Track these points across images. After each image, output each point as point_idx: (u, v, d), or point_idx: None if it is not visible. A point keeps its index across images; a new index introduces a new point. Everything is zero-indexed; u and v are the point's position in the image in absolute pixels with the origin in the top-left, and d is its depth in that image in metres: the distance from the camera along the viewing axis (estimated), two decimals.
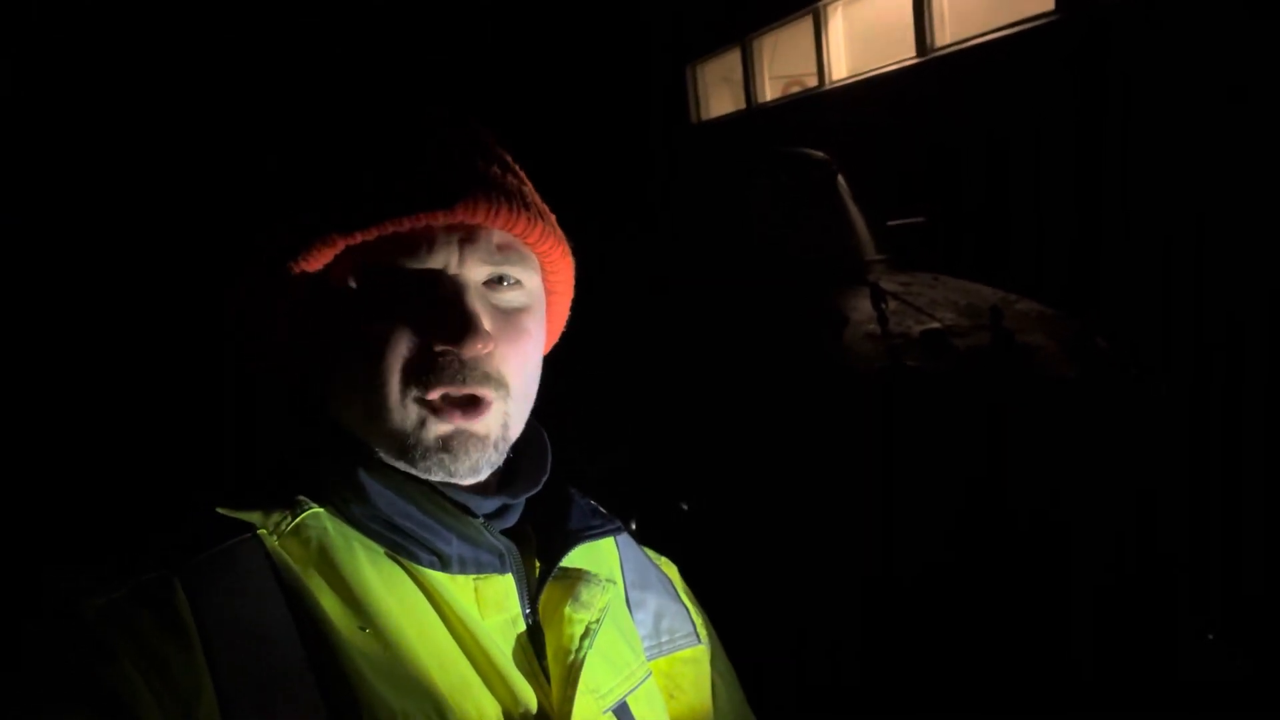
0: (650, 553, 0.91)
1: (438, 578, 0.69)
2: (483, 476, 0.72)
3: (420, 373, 0.68)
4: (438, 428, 0.69)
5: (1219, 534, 2.65)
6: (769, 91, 8.95)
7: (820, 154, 4.21)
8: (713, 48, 9.66)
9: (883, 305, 2.63)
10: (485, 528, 0.71)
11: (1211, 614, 2.50)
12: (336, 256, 0.70)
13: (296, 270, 0.71)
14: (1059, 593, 2.35)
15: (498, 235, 0.72)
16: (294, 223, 0.71)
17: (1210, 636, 2.49)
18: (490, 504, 0.74)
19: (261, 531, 0.67)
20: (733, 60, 9.32)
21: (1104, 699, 2.24)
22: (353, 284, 0.70)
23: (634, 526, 2.60)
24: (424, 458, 0.69)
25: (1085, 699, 2.24)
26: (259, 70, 8.90)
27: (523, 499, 0.77)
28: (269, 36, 9.36)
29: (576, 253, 0.82)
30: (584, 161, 8.99)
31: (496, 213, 0.71)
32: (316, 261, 0.71)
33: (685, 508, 2.57)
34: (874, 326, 2.80)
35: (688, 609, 0.88)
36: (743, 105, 9.27)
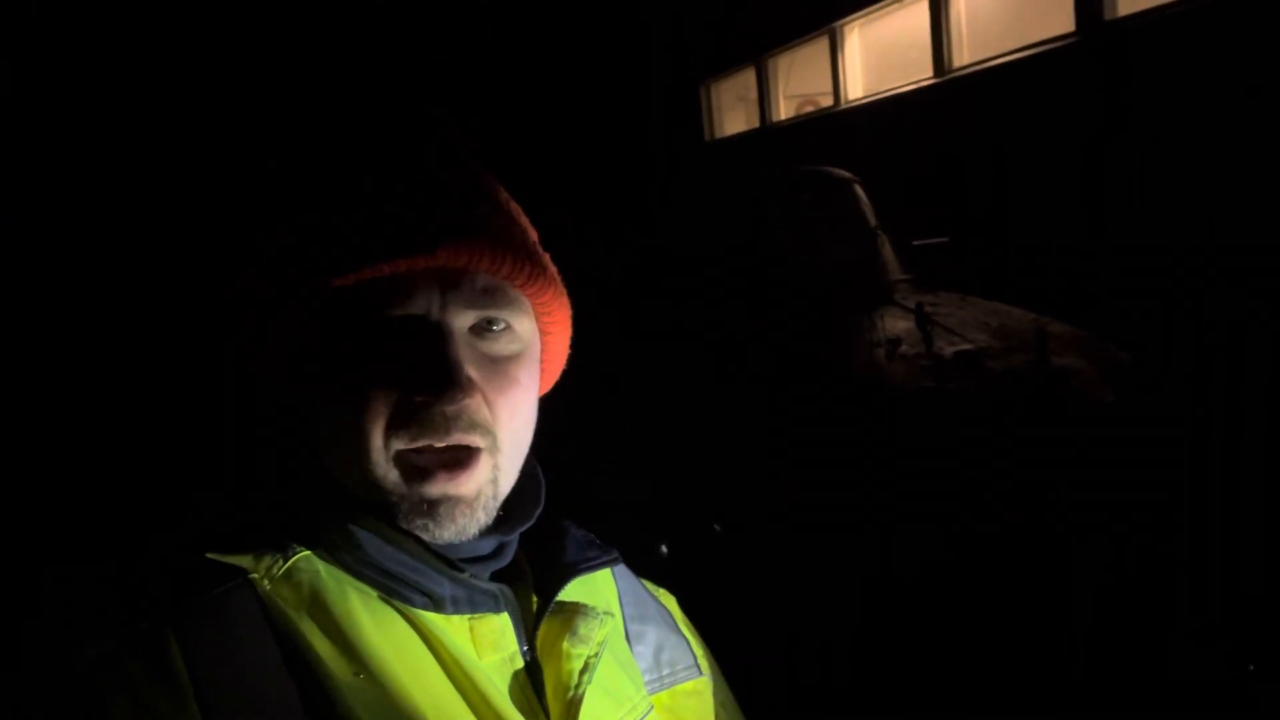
0: (648, 585, 0.90)
1: (432, 619, 0.68)
2: (468, 538, 0.70)
3: (402, 424, 0.67)
4: (422, 490, 0.67)
5: (1221, 536, 2.62)
6: (783, 111, 8.98)
7: (844, 173, 4.20)
8: (727, 66, 9.70)
9: (928, 327, 2.60)
10: (473, 578, 0.70)
11: (1214, 618, 2.48)
12: (321, 305, 0.69)
13: (281, 315, 0.70)
14: (1069, 596, 2.33)
15: (482, 279, 0.70)
16: (274, 271, 0.70)
17: (1251, 668, 2.46)
18: (484, 545, 0.73)
19: (253, 576, 0.65)
20: (747, 79, 9.35)
21: (1104, 700, 2.22)
22: (334, 330, 0.69)
23: (664, 551, 2.58)
24: (407, 519, 0.68)
25: (1088, 700, 2.22)
26: (256, 72, 8.94)
27: (517, 535, 0.76)
28: (267, 37, 9.40)
29: (574, 294, 0.80)
30: (594, 176, 9.02)
31: (480, 256, 0.69)
32: (298, 309, 0.70)
33: (718, 529, 2.54)
34: (906, 348, 2.78)
35: (688, 641, 0.87)
36: (756, 124, 9.30)
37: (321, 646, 0.63)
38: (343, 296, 0.68)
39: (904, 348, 2.79)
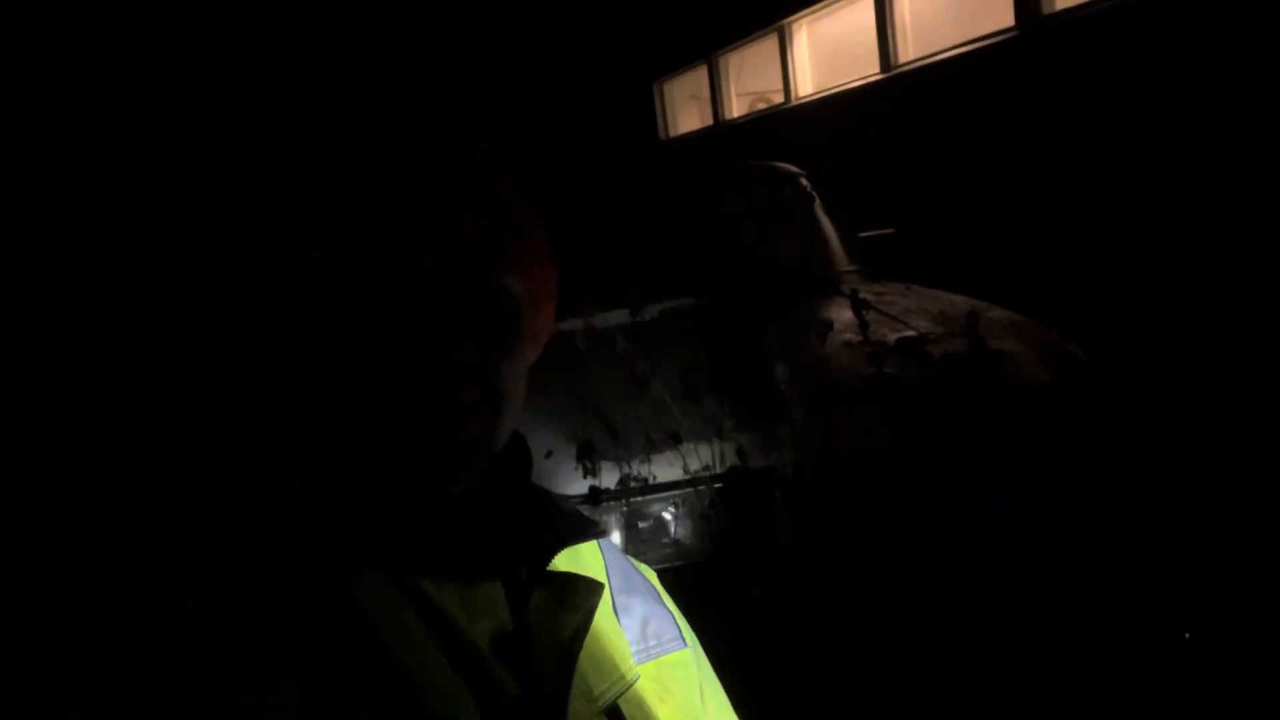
0: (631, 559, 0.91)
1: (422, 585, 0.69)
2: (466, 485, 0.72)
3: (409, 383, 0.68)
4: (422, 434, 0.69)
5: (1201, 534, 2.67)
6: (736, 108, 9.05)
7: (792, 167, 4.26)
8: (679, 65, 9.75)
9: (863, 314, 2.67)
10: (468, 536, 0.72)
11: (1186, 610, 2.53)
12: (320, 269, 0.70)
13: (288, 276, 0.71)
14: (1040, 593, 2.36)
15: (488, 243, 0.72)
16: (285, 227, 0.72)
17: (1186, 635, 2.53)
18: (473, 509, 0.74)
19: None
20: (700, 77, 9.41)
21: (1087, 702, 2.25)
22: (340, 291, 0.70)
23: (617, 538, 2.60)
24: (407, 465, 0.69)
25: (1070, 702, 2.25)
26: (256, 70, 8.86)
27: (502, 503, 0.77)
28: (269, 34, 9.31)
29: (558, 263, 0.83)
30: (546, 175, 9.03)
31: (479, 218, 0.71)
32: (304, 267, 0.71)
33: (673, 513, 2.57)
34: (851, 335, 2.83)
35: (672, 613, 0.88)
36: (710, 122, 9.36)
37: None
38: (349, 259, 0.69)
39: (848, 336, 2.85)
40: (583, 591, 0.75)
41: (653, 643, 0.83)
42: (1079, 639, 2.27)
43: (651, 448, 2.40)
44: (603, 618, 0.78)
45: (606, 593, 0.81)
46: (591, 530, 0.82)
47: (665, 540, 2.59)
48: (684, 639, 0.86)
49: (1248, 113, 4.08)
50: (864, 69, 6.85)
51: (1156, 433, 2.58)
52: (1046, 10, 5.22)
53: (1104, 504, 2.42)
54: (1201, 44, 4.29)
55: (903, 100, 6.39)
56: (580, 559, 0.81)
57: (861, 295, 3.22)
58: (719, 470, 2.42)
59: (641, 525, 2.51)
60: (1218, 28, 4.21)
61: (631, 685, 0.77)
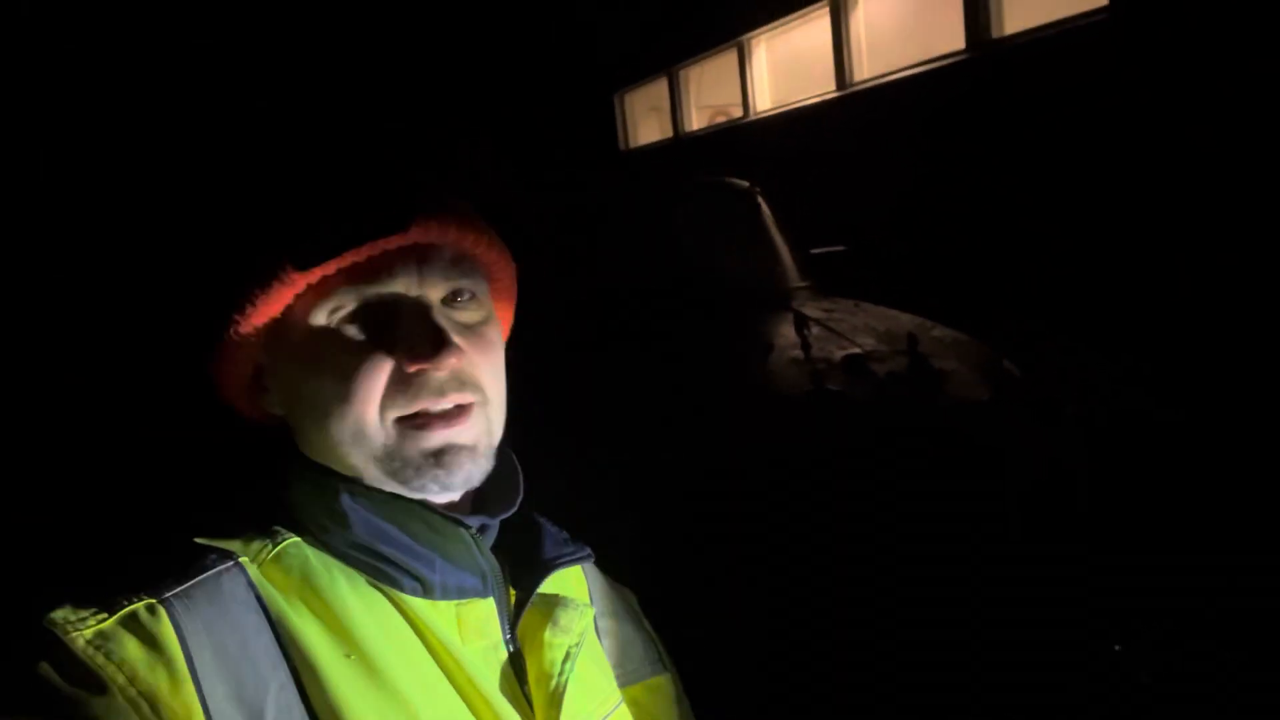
0: (613, 581, 0.93)
1: (419, 604, 0.70)
2: (475, 484, 0.73)
3: (398, 394, 0.69)
4: (425, 442, 0.70)
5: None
6: (695, 121, 9.11)
7: (745, 183, 4.30)
8: (640, 77, 9.80)
9: (806, 332, 2.71)
10: (476, 540, 0.72)
11: (1114, 622, 2.58)
12: (298, 295, 0.71)
13: (260, 312, 0.71)
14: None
15: (450, 251, 0.74)
16: (251, 265, 0.71)
17: (1117, 648, 2.58)
18: (472, 522, 0.74)
19: (243, 559, 0.67)
20: (660, 89, 9.47)
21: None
22: (319, 319, 0.71)
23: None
24: (417, 474, 0.70)
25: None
26: (255, 71, 8.77)
27: (499, 521, 0.78)
28: (269, 35, 9.20)
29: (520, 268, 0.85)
30: (512, 184, 9.03)
31: (448, 229, 0.73)
32: (279, 302, 0.71)
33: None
34: (798, 352, 2.87)
35: (652, 638, 0.90)
36: (670, 134, 9.41)
37: (311, 628, 0.65)
38: (323, 285, 0.70)
39: (796, 353, 2.88)
40: (573, 613, 0.76)
41: (633, 666, 0.84)
42: (1075, 640, 2.30)
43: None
44: (588, 640, 0.79)
45: (591, 615, 0.82)
46: (580, 554, 0.82)
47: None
48: (664, 663, 0.88)
49: (1197, 140, 4.21)
50: (820, 86, 6.94)
51: (1147, 437, 2.62)
52: (996, 34, 5.34)
53: (1097, 507, 2.45)
54: (1145, 69, 4.42)
55: (858, 118, 6.49)
56: (566, 582, 0.82)
57: (809, 312, 3.26)
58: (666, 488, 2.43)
59: None
60: (1155, 55, 4.34)
61: (615, 708, 0.78)
